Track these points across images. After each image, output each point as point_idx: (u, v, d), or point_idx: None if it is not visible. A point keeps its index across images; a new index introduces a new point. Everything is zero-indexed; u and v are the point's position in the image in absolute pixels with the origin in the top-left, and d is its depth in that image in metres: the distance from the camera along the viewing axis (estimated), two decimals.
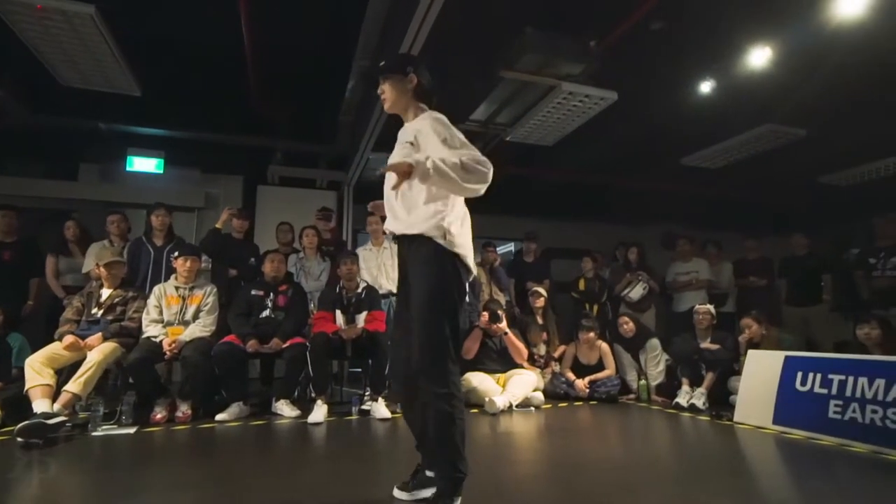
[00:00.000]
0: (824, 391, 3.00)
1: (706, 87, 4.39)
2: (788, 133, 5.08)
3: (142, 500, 2.02)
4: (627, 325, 4.62)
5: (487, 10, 3.75)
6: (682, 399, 4.01)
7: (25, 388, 2.97)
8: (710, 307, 4.45)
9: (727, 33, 3.91)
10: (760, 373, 3.46)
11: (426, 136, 1.83)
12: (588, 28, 3.99)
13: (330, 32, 4.21)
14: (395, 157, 1.91)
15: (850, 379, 2.89)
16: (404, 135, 1.95)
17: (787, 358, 3.34)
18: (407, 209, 1.86)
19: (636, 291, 5.30)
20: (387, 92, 1.96)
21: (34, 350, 3.24)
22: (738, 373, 3.80)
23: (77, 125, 5.26)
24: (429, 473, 1.89)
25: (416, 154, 1.80)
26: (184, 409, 3.34)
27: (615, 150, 6.00)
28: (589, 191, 7.33)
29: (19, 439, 2.64)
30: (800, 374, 3.18)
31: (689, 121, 5.07)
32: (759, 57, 3.90)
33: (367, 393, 3.66)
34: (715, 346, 4.20)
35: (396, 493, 1.94)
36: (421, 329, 1.76)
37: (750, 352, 3.71)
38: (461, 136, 1.82)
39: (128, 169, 5.67)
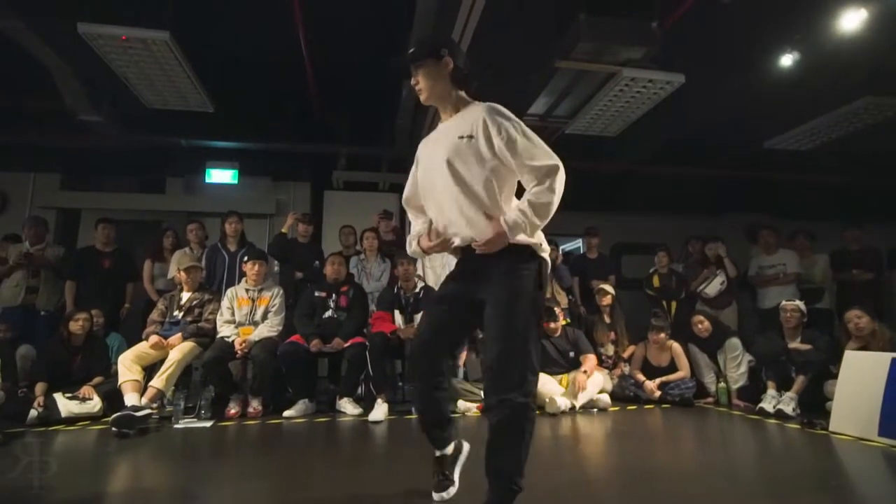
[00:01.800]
0: None
1: (788, 60, 3.99)
2: (895, 105, 4.50)
3: (219, 488, 2.17)
4: (702, 325, 4.30)
5: None
6: (767, 404, 3.66)
7: (118, 383, 3.30)
8: (800, 303, 4.03)
9: None
10: (861, 377, 3.07)
11: (494, 135, 1.65)
12: (648, 8, 3.78)
13: (381, 40, 4.30)
14: (452, 152, 1.70)
15: None
16: (455, 128, 1.74)
17: (894, 360, 2.95)
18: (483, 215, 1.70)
19: (713, 287, 4.93)
20: (421, 81, 1.76)
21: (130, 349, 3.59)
22: (835, 377, 3.40)
23: (162, 142, 5.76)
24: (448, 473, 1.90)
25: (485, 152, 1.66)
26: (255, 405, 3.55)
27: (686, 136, 5.63)
28: (659, 181, 6.92)
29: (113, 429, 2.93)
30: None
31: (770, 100, 4.65)
32: (851, 20, 3.48)
33: None
34: (805, 347, 3.80)
35: (437, 496, 1.89)
36: (507, 337, 1.61)
37: (847, 353, 3.32)
38: (529, 131, 1.67)
39: (207, 180, 6.14)
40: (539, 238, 1.71)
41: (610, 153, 6.12)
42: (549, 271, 1.77)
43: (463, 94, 1.80)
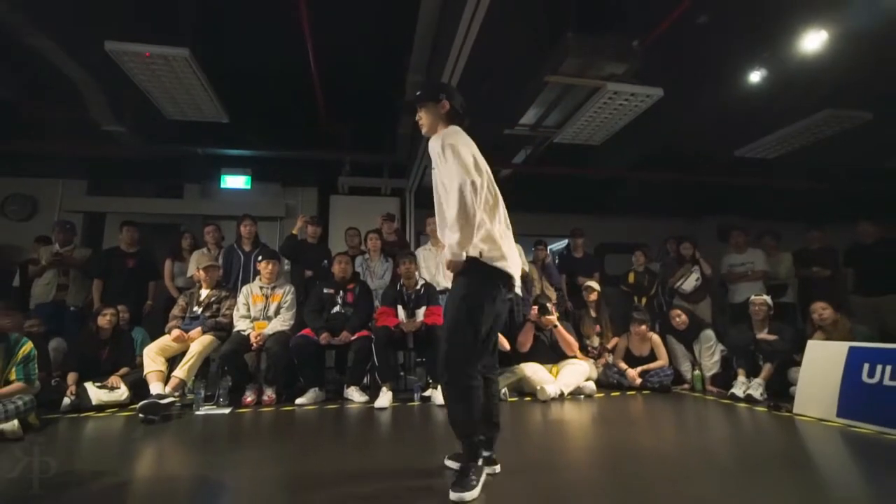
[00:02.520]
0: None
1: (757, 76, 4.04)
2: (852, 117, 4.56)
3: (239, 469, 2.19)
4: (680, 318, 4.35)
5: (528, 18, 3.69)
6: (738, 390, 3.72)
7: (144, 373, 3.31)
8: (767, 298, 4.09)
9: (777, 19, 3.59)
10: (822, 364, 3.13)
11: (435, 157, 1.94)
12: (630, 27, 3.82)
13: (384, 53, 4.32)
14: (434, 172, 2.00)
15: None
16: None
17: (851, 349, 3.00)
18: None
19: (689, 283, 4.99)
20: (423, 118, 2.03)
21: (153, 342, 3.59)
22: (799, 364, 3.46)
23: (180, 151, 5.75)
24: (485, 453, 1.92)
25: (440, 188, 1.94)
26: (269, 394, 3.56)
27: (664, 144, 5.68)
28: (639, 186, 6.98)
29: (140, 415, 2.94)
30: (867, 366, 2.84)
31: (740, 112, 4.70)
32: (813, 41, 3.53)
33: (427, 381, 3.72)
34: (772, 337, 3.86)
35: (448, 462, 2.06)
36: (447, 329, 1.90)
37: (810, 342, 3.37)
38: (456, 156, 1.83)
39: (221, 186, 6.13)
40: (475, 250, 1.86)
41: (595, 161, 6.16)
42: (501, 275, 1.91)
43: (455, 126, 2.01)
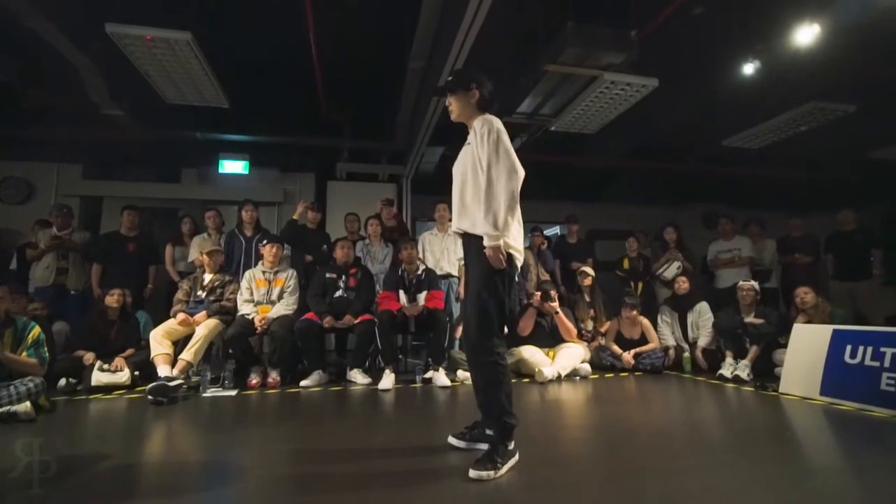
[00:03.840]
0: (876, 364, 2.76)
1: (749, 68, 4.05)
2: (836, 109, 4.62)
3: (246, 449, 2.19)
4: (685, 284, 4.54)
5: (530, 7, 3.65)
6: (725, 371, 3.81)
7: (151, 356, 3.29)
8: (754, 283, 4.18)
9: (772, 12, 3.60)
10: (807, 346, 3.22)
11: (474, 140, 1.94)
12: (628, 18, 3.79)
13: (385, 42, 4.25)
14: (460, 158, 2.02)
15: None
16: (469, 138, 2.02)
17: (835, 331, 3.09)
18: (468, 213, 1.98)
19: (670, 271, 5.04)
20: (453, 105, 2.04)
21: (156, 325, 3.56)
22: (783, 346, 3.56)
23: (179, 136, 5.62)
24: (488, 432, 1.94)
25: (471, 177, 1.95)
26: (273, 376, 3.54)
27: (656, 134, 5.70)
28: (632, 174, 7.03)
29: (149, 397, 2.93)
30: (849, 348, 2.93)
31: (730, 102, 4.72)
32: (806, 34, 3.55)
33: (429, 363, 3.74)
34: (759, 321, 3.95)
35: (451, 440, 2.07)
36: (471, 307, 1.90)
37: (795, 326, 3.47)
38: (499, 145, 1.86)
39: (220, 171, 6.02)
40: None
41: (589, 149, 6.18)
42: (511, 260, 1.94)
43: (486, 114, 2.00)
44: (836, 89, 4.45)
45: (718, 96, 4.65)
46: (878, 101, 4.50)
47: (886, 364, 2.70)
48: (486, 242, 1.83)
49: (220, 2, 3.69)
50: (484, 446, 1.90)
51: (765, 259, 5.11)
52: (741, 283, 4.20)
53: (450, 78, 2.10)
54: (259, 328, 3.60)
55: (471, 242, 1.97)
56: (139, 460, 2.02)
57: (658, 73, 4.13)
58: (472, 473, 1.70)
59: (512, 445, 1.85)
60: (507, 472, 1.78)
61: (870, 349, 2.82)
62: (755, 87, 4.34)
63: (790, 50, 3.72)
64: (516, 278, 2.16)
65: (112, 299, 3.55)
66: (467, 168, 1.95)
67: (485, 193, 1.85)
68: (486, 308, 1.85)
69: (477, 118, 1.96)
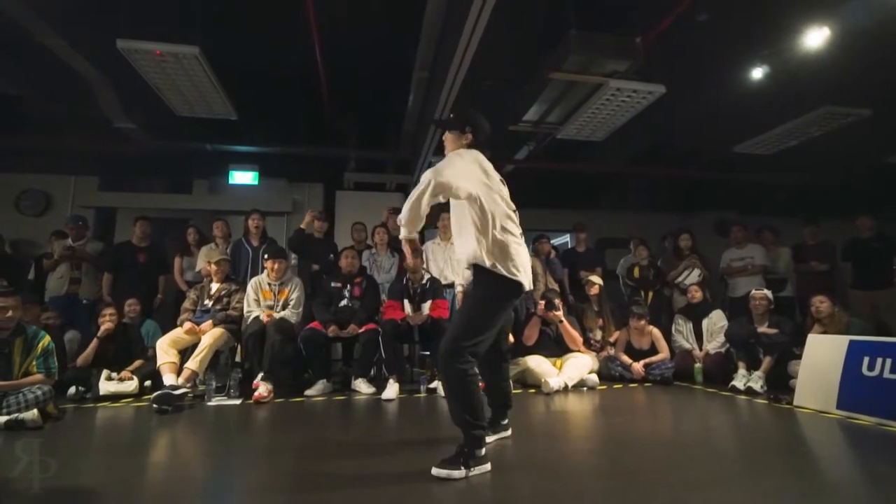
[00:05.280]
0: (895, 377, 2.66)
1: (758, 73, 4.01)
2: (851, 113, 4.52)
3: (250, 457, 2.20)
4: (698, 293, 4.54)
5: (532, 15, 3.66)
6: (738, 382, 3.71)
7: (157, 365, 3.32)
8: (767, 292, 4.08)
9: (779, 17, 3.55)
10: (822, 357, 3.11)
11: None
12: (632, 25, 3.79)
13: (390, 52, 4.30)
14: None
15: None
16: None
17: (851, 342, 2.99)
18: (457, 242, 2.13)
19: (691, 278, 4.95)
20: (446, 141, 2.16)
21: (164, 334, 3.60)
22: (798, 357, 3.45)
23: (189, 147, 5.75)
24: (503, 422, 2.30)
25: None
26: (262, 391, 3.31)
27: (665, 140, 5.65)
28: (642, 181, 6.96)
29: (154, 406, 2.95)
30: (866, 359, 2.83)
31: (740, 108, 4.67)
32: (815, 38, 3.49)
33: (434, 373, 3.72)
34: (772, 331, 3.84)
35: (435, 471, 1.88)
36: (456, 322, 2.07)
37: (810, 336, 3.36)
38: (452, 171, 1.89)
39: (230, 182, 6.13)
40: (489, 261, 1.97)
41: (596, 156, 6.14)
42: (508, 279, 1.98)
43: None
44: (850, 93, 4.37)
45: (728, 102, 4.60)
46: (890, 106, 4.39)
47: None
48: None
49: (226, 16, 3.77)
50: (504, 433, 2.22)
51: (779, 267, 4.99)
52: (753, 291, 4.10)
53: (451, 115, 2.26)
54: (266, 320, 3.58)
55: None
56: (140, 468, 2.03)
57: (665, 80, 4.10)
58: (435, 471, 1.79)
59: (481, 451, 1.88)
60: (480, 475, 1.82)
61: (889, 361, 2.71)
62: (765, 92, 4.29)
63: (799, 54, 3.68)
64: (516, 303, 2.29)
65: (104, 320, 3.56)
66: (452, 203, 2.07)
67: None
68: (472, 324, 1.93)
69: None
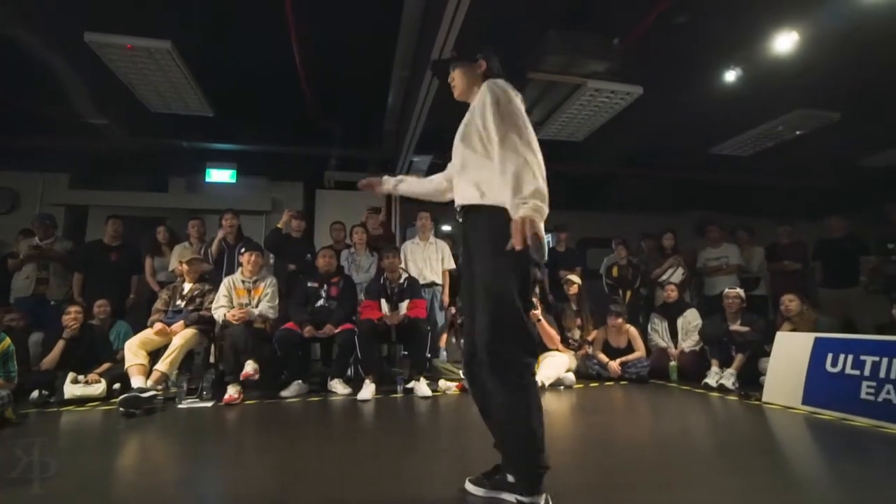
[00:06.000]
0: (856, 372, 2.73)
1: (732, 75, 4.08)
2: (821, 117, 4.64)
3: (222, 461, 2.17)
4: (674, 293, 4.58)
5: (511, 14, 3.66)
6: (711, 380, 3.78)
7: (125, 367, 3.24)
8: (740, 291, 4.16)
9: (752, 21, 3.62)
10: (789, 354, 3.19)
11: (479, 107, 1.57)
12: (611, 26, 3.82)
13: (370, 48, 4.26)
14: (458, 132, 1.69)
15: (885, 360, 2.61)
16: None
17: (816, 339, 3.07)
18: (469, 177, 1.60)
19: (676, 276, 5.02)
20: (457, 80, 1.76)
21: None
22: (769, 354, 3.52)
23: (165, 145, 5.62)
24: (510, 478, 1.59)
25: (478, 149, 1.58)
26: (232, 393, 3.28)
27: (644, 141, 5.72)
28: (620, 182, 7.04)
29: (121, 409, 2.88)
30: (830, 356, 2.90)
31: (717, 110, 4.74)
32: (785, 42, 3.57)
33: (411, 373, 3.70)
34: (744, 329, 3.92)
35: (470, 486, 1.67)
36: (483, 307, 1.47)
37: (779, 334, 3.44)
38: (512, 110, 1.52)
39: (207, 180, 6.02)
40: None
41: (577, 157, 6.18)
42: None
43: None
44: (821, 97, 4.47)
45: (705, 104, 4.66)
46: (861, 110, 4.52)
47: (866, 373, 2.67)
48: (512, 212, 1.38)
49: (200, 11, 3.69)
50: (508, 497, 1.55)
51: (753, 266, 5.09)
52: (727, 290, 4.18)
53: (453, 52, 1.87)
54: (237, 319, 3.45)
55: (475, 220, 1.58)
56: (102, 474, 1.98)
57: (643, 81, 4.15)
58: None
59: (543, 502, 1.42)
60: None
61: (850, 357, 2.79)
62: (741, 95, 4.36)
63: (771, 57, 3.74)
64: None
65: (69, 318, 3.46)
66: (470, 133, 1.61)
67: (498, 155, 1.46)
68: (503, 305, 1.43)
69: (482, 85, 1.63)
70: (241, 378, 3.30)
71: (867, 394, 2.63)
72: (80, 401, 3.24)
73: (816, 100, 4.49)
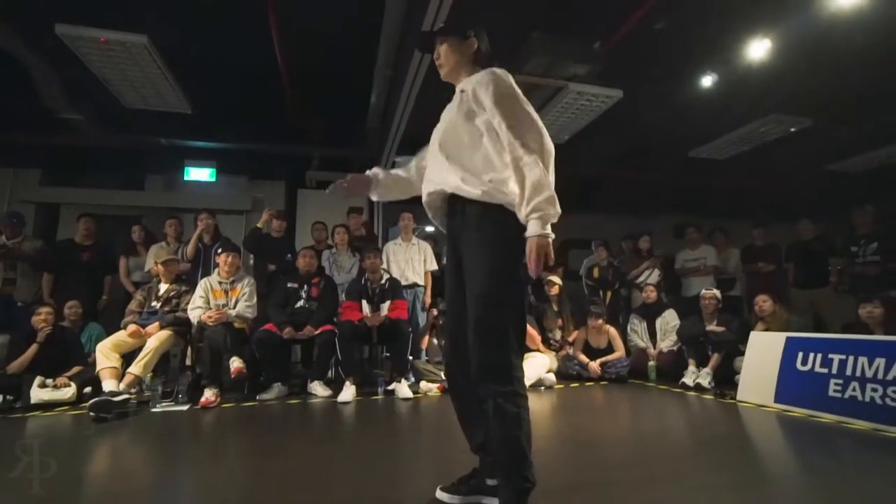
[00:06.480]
0: (824, 370, 2.82)
1: (709, 80, 4.17)
2: (794, 122, 4.78)
3: (197, 466, 2.12)
4: (653, 294, 4.66)
5: (494, 16, 3.68)
6: (688, 379, 3.85)
7: (97, 370, 3.15)
8: (716, 292, 4.26)
9: (727, 28, 3.71)
10: (763, 353, 3.28)
11: (487, 98, 1.45)
12: (592, 30, 3.87)
13: (353, 47, 4.23)
14: (450, 112, 1.57)
15: (850, 358, 2.70)
16: (458, 94, 1.57)
17: (788, 339, 3.15)
18: (459, 165, 1.48)
19: (653, 278, 5.11)
20: (443, 56, 1.60)
21: None
22: (743, 353, 3.61)
23: (142, 141, 5.49)
24: (489, 482, 1.53)
25: (481, 123, 1.46)
26: (208, 395, 3.21)
27: (624, 144, 5.80)
28: (601, 184, 7.13)
29: (91, 414, 2.79)
30: (801, 355, 2.99)
31: (694, 114, 4.84)
32: (758, 49, 3.67)
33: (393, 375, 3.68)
34: (720, 329, 4.01)
35: (442, 495, 1.58)
36: (479, 317, 1.39)
37: (752, 333, 3.53)
38: (527, 108, 1.45)
39: (185, 178, 5.90)
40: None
41: (559, 159, 6.23)
42: None
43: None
44: (793, 103, 4.61)
45: (683, 108, 4.76)
46: (830, 117, 4.67)
47: (834, 371, 2.76)
48: (529, 228, 1.34)
49: (179, 5, 3.61)
50: (487, 500, 1.52)
51: (729, 267, 5.21)
52: (703, 291, 4.27)
53: (441, 25, 1.71)
54: (213, 321, 3.39)
55: (479, 220, 1.44)
56: (70, 481, 1.91)
57: (623, 85, 4.21)
58: None
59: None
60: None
61: (819, 356, 2.88)
62: (717, 100, 4.46)
63: (746, 64, 3.84)
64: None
65: (39, 319, 3.35)
66: (457, 120, 1.52)
67: (508, 145, 1.38)
68: (501, 313, 1.37)
69: (476, 73, 1.52)
70: (233, 374, 3.24)
71: (834, 391, 2.72)
72: (48, 405, 3.13)
73: (789, 106, 4.63)
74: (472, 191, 1.44)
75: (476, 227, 1.44)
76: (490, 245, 1.42)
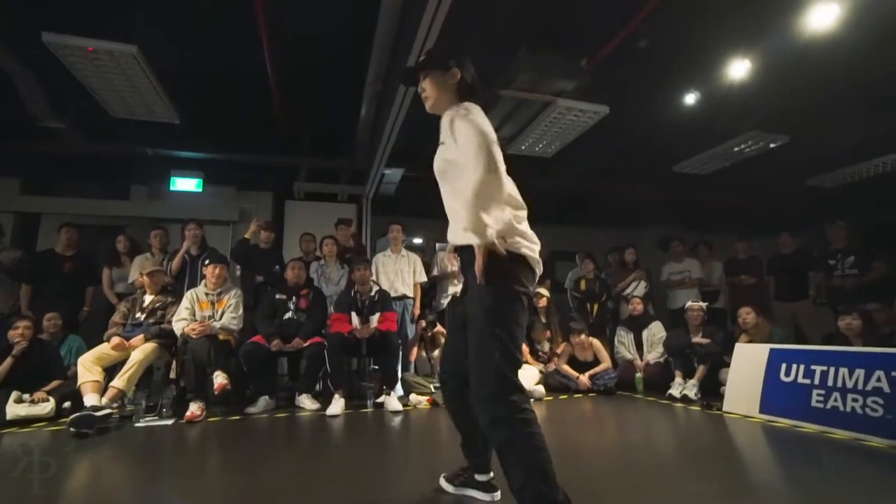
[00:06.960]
0: (807, 381, 2.89)
1: (691, 98, 4.31)
2: (772, 139, 4.94)
3: (182, 481, 2.07)
4: (639, 306, 4.73)
5: (484, 32, 3.76)
6: (675, 391, 3.90)
7: (78, 384, 3.07)
8: (702, 304, 4.34)
9: (708, 47, 3.84)
10: (747, 365, 3.34)
11: (448, 135, 1.53)
12: (578, 48, 3.97)
13: (343, 59, 4.27)
14: (437, 159, 1.63)
15: (832, 370, 2.77)
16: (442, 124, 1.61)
17: (772, 350, 3.23)
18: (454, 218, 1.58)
19: (639, 290, 5.19)
20: (428, 90, 1.63)
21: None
22: (728, 365, 3.68)
23: (127, 151, 5.42)
24: (479, 477, 1.72)
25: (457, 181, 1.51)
26: (194, 409, 3.17)
27: (610, 159, 5.92)
28: (587, 198, 7.25)
29: (71, 429, 2.71)
30: (784, 366, 3.06)
31: (677, 130, 4.97)
32: (738, 68, 3.80)
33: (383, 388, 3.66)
34: (706, 341, 4.08)
35: (443, 483, 1.81)
36: (480, 351, 1.47)
37: (737, 345, 3.60)
38: (470, 121, 1.47)
39: (171, 188, 5.83)
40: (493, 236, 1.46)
41: (546, 173, 6.33)
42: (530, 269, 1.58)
43: (467, 102, 1.58)
44: (772, 121, 4.77)
45: (667, 124, 4.89)
46: (806, 134, 4.84)
47: (816, 381, 2.83)
48: (473, 239, 1.42)
49: (168, 15, 3.62)
50: (473, 493, 1.69)
51: (713, 280, 5.32)
52: (689, 303, 4.35)
53: (422, 57, 1.73)
54: (197, 333, 3.33)
55: (467, 260, 1.54)
56: (46, 499, 1.85)
57: (609, 101, 4.32)
58: None
59: None
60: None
61: (802, 367, 2.95)
62: (699, 117, 4.60)
63: (726, 83, 3.98)
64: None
65: (16, 333, 3.26)
66: (444, 170, 1.58)
67: (466, 190, 1.43)
68: (495, 352, 1.42)
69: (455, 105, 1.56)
70: (217, 391, 3.16)
71: (817, 401, 2.78)
72: (25, 421, 3.03)
73: (768, 123, 4.79)
74: (464, 238, 1.51)
75: (471, 266, 1.50)
76: (481, 288, 1.46)
